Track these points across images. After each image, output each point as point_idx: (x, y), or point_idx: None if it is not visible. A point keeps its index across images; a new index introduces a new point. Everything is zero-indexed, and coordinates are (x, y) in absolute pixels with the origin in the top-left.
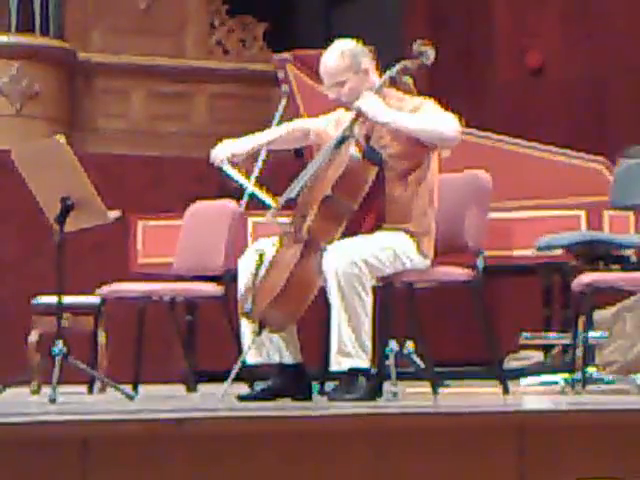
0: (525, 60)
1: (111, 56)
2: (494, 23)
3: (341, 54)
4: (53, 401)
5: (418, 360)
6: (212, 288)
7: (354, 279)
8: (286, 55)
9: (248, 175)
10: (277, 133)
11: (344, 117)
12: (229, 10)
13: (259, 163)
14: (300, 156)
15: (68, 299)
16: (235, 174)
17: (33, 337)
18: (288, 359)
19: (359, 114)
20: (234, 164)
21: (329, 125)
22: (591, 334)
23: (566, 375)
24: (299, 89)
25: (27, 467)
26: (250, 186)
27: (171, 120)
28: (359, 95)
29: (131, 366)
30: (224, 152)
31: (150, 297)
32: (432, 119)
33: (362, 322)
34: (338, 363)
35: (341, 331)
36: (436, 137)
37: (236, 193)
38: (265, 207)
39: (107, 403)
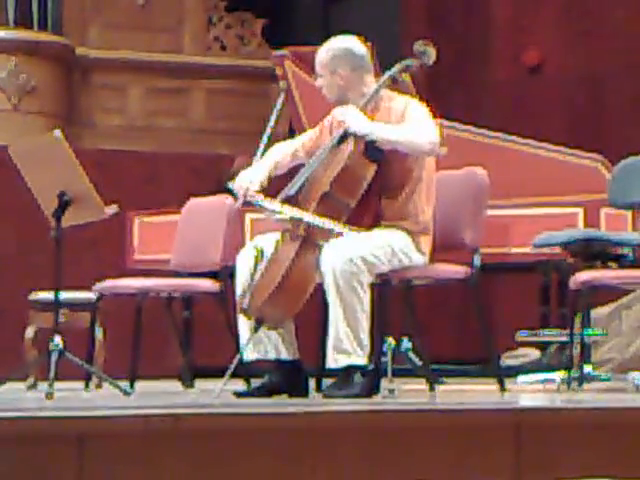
0: (523, 58)
1: (109, 51)
2: (492, 21)
3: (327, 50)
4: (50, 396)
5: (415, 357)
6: (209, 284)
7: (351, 276)
8: (284, 51)
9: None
10: (275, 158)
11: (337, 114)
12: (227, 6)
13: None
14: None
15: (65, 295)
16: (267, 203)
17: (30, 333)
18: (285, 356)
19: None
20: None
21: (322, 133)
22: (588, 332)
23: (563, 373)
24: (297, 85)
25: (23, 462)
26: (285, 209)
27: (168, 116)
28: (334, 94)
29: (128, 362)
30: (253, 185)
31: (147, 293)
32: (411, 132)
33: (359, 319)
34: (335, 360)
35: (338, 328)
36: (412, 150)
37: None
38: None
39: (103, 399)
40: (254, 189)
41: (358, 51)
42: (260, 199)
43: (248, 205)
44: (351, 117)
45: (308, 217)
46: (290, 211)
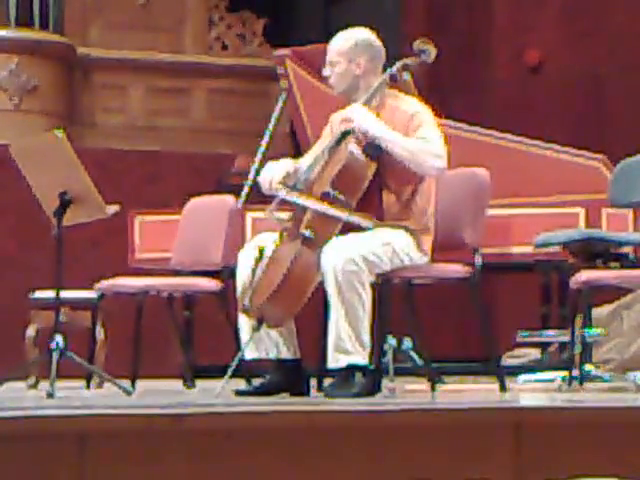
0: (523, 58)
1: (110, 51)
2: (493, 20)
3: (347, 38)
4: (51, 396)
5: (416, 357)
6: (210, 283)
7: (352, 276)
8: (285, 51)
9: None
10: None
11: (335, 120)
12: (228, 6)
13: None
14: (299, 152)
15: (66, 294)
16: (293, 197)
17: (31, 332)
18: (286, 355)
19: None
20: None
21: (324, 140)
22: (588, 332)
23: (563, 372)
24: (298, 85)
25: (25, 462)
26: (314, 204)
27: (170, 115)
28: (344, 83)
29: (129, 361)
30: (277, 178)
31: (148, 292)
32: (419, 151)
33: (360, 318)
34: (336, 359)
35: (339, 327)
36: (419, 170)
37: (234, 189)
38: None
39: (105, 398)
40: (276, 183)
41: (377, 43)
42: (282, 193)
43: (271, 198)
44: (360, 116)
45: (333, 212)
46: (310, 202)
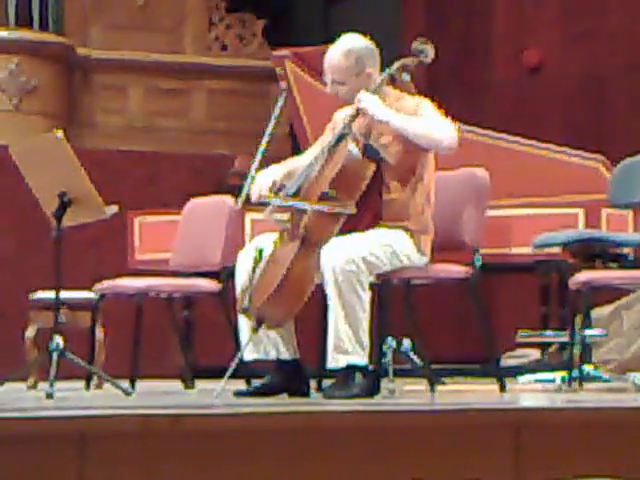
0: (523, 58)
1: (109, 52)
2: (493, 21)
3: (347, 53)
4: (50, 396)
5: (415, 357)
6: (210, 284)
7: (352, 276)
8: (285, 52)
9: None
10: (289, 167)
11: (338, 118)
12: (228, 6)
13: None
14: (299, 153)
15: (65, 294)
16: (286, 202)
17: (30, 332)
18: (285, 355)
19: (358, 112)
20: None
21: (328, 137)
22: (588, 332)
23: (563, 373)
24: (297, 86)
25: (24, 462)
26: (309, 205)
27: (169, 116)
28: (356, 93)
29: (128, 362)
30: (265, 185)
31: (147, 293)
32: (430, 125)
33: (359, 319)
34: (335, 360)
35: (338, 328)
36: (433, 144)
37: (234, 189)
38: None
39: (104, 399)
40: (265, 193)
41: (370, 44)
42: (275, 200)
43: (260, 205)
44: (370, 102)
45: (323, 208)
46: (300, 203)
